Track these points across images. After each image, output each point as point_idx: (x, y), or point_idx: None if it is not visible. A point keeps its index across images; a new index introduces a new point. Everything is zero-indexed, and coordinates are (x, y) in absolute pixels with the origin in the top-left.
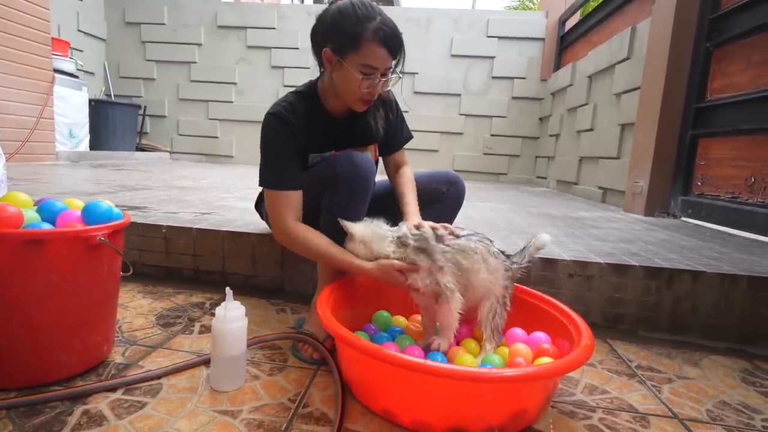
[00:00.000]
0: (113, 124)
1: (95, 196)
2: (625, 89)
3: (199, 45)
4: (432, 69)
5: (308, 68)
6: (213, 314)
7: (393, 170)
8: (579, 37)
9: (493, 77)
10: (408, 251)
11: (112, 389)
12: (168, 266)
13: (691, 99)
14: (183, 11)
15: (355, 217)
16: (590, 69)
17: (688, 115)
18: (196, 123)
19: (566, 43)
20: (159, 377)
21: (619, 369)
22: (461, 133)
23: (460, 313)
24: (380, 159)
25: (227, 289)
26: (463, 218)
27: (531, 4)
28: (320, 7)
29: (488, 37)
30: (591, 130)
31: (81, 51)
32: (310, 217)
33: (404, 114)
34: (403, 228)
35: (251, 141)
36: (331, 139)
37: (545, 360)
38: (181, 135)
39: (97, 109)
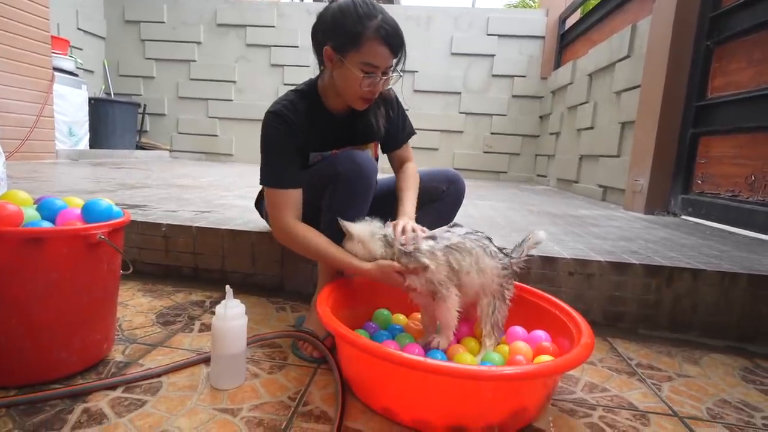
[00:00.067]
0: (113, 122)
1: (95, 194)
2: (625, 87)
3: (199, 43)
4: (432, 67)
5: (308, 66)
6: (213, 312)
7: (398, 166)
8: (579, 35)
9: (494, 75)
10: (394, 251)
11: (112, 387)
12: (168, 264)
13: (692, 97)
14: (182, 9)
15: (356, 217)
16: (590, 67)
17: (688, 113)
18: (196, 121)
19: (566, 41)
20: (159, 375)
21: (619, 367)
22: (461, 132)
23: (458, 311)
24: (380, 157)
25: (227, 287)
26: (463, 216)
27: (531, 2)
28: (320, 5)
29: (488, 35)
30: (591, 128)
31: (80, 49)
32: (311, 215)
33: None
34: (388, 228)
35: (251, 139)
36: (331, 137)
37: (545, 358)
38: (180, 133)
39: (97, 107)
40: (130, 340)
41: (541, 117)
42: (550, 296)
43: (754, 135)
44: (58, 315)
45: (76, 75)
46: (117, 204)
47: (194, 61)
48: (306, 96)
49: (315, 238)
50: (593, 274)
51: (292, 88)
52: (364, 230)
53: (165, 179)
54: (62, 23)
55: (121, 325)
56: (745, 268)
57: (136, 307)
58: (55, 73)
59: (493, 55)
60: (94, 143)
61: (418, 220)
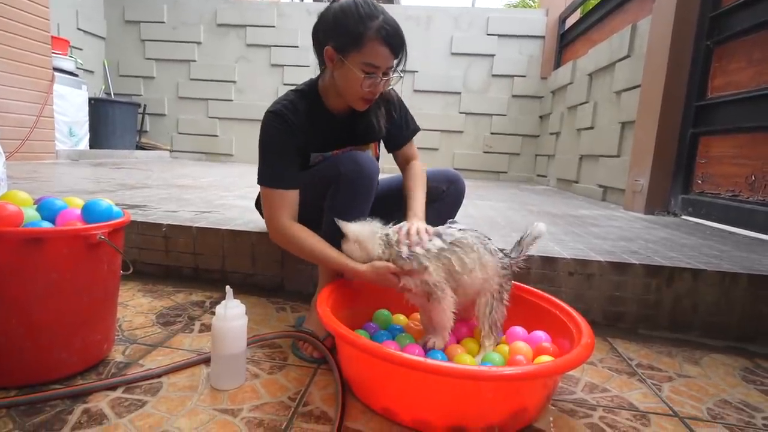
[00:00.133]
0: (113, 122)
1: (95, 194)
2: (625, 87)
3: (199, 43)
4: (432, 67)
5: (308, 66)
6: (213, 313)
7: (403, 165)
8: (579, 35)
9: (493, 75)
10: (392, 252)
11: (113, 388)
12: (168, 265)
13: (692, 97)
14: (182, 9)
15: (358, 217)
16: (590, 67)
17: (688, 113)
18: (196, 121)
19: (566, 41)
20: (159, 376)
21: (619, 367)
22: (461, 132)
23: (454, 312)
24: (380, 157)
25: (227, 287)
26: (463, 216)
27: (531, 2)
28: (320, 5)
29: (488, 35)
30: (591, 128)
31: (81, 49)
32: (313, 216)
33: None
34: (388, 230)
35: (251, 139)
36: (332, 137)
37: (545, 358)
38: (180, 133)
39: (97, 107)
40: (130, 340)
41: (541, 117)
42: (550, 296)
43: (754, 135)
44: (59, 315)
45: (76, 75)
46: (117, 204)
47: (194, 61)
48: (306, 96)
49: (309, 239)
50: (593, 274)
51: (293, 88)
52: (363, 230)
53: (165, 179)
54: (62, 23)
55: (121, 326)
56: (745, 268)
57: (136, 308)
58: (55, 74)
59: (493, 55)
60: (94, 143)
61: None
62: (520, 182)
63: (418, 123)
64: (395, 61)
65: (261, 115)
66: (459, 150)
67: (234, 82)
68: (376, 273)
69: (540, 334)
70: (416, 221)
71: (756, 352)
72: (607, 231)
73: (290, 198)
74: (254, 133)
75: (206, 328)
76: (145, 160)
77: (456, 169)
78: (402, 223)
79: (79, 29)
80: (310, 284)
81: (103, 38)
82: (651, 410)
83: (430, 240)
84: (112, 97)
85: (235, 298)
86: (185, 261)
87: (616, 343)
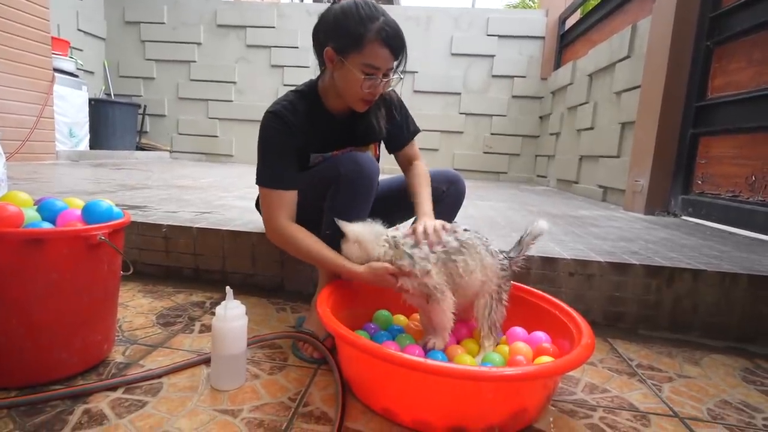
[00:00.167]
0: (113, 123)
1: (95, 195)
2: (625, 88)
3: (199, 44)
4: (432, 67)
5: (308, 67)
6: (213, 313)
7: (405, 165)
8: (579, 36)
9: (493, 76)
10: (398, 253)
11: (113, 388)
12: (168, 265)
13: (692, 97)
14: (182, 10)
15: (358, 218)
16: (590, 67)
17: (688, 113)
18: (196, 122)
19: (566, 41)
20: (159, 376)
21: (619, 368)
22: (461, 132)
23: (453, 313)
24: (380, 157)
25: (227, 288)
26: (463, 217)
27: (531, 3)
28: (320, 6)
29: (488, 35)
30: (591, 128)
31: (81, 50)
32: (313, 217)
33: None
34: (393, 231)
35: (251, 140)
36: (331, 138)
37: (545, 359)
38: (180, 134)
39: (97, 108)
40: (130, 340)
41: (541, 117)
42: (550, 297)
43: (754, 135)
44: (59, 316)
45: (76, 76)
46: (117, 205)
47: (194, 61)
48: (306, 96)
49: (306, 239)
50: (593, 274)
51: (292, 88)
52: (364, 231)
53: (165, 180)
54: (62, 24)
55: (121, 326)
56: (745, 268)
57: (136, 308)
58: (56, 74)
59: (493, 56)
60: (94, 144)
61: None
62: (520, 183)
63: (418, 123)
64: (395, 63)
65: (261, 116)
66: (459, 150)
67: (234, 82)
68: (373, 274)
69: (540, 334)
70: (428, 219)
71: (756, 353)
72: (607, 231)
73: (288, 198)
74: (254, 133)
75: (206, 328)
76: (145, 161)
77: (456, 169)
78: (417, 223)
79: (79, 30)
80: (310, 284)
81: (103, 39)
82: (651, 411)
83: (447, 237)
84: (113, 97)
85: (235, 298)
86: (185, 261)
87: (616, 344)
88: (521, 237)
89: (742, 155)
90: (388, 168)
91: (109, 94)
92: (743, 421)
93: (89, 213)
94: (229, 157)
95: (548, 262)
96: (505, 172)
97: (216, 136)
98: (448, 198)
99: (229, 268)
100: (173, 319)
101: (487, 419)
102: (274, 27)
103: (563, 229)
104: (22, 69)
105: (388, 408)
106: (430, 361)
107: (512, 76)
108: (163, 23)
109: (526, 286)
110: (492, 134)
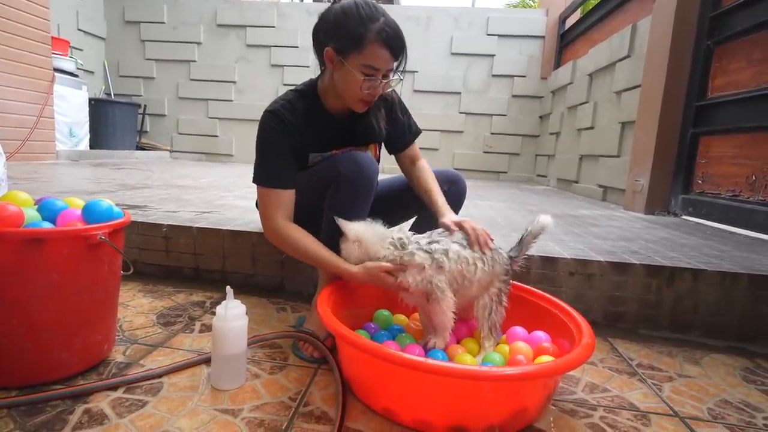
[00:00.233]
0: (113, 123)
1: (95, 195)
2: (625, 87)
3: (199, 44)
4: (432, 67)
5: (308, 67)
6: (213, 313)
7: (408, 166)
8: (579, 35)
9: (493, 75)
10: (404, 254)
11: (113, 388)
12: (168, 265)
13: (692, 97)
14: (182, 10)
15: (357, 217)
16: (591, 67)
17: (688, 113)
18: (196, 122)
19: (566, 41)
20: (160, 376)
21: (619, 367)
22: (461, 132)
23: (453, 312)
24: (380, 158)
25: (228, 287)
26: (463, 216)
27: (531, 2)
28: (320, 6)
29: (488, 35)
30: (591, 128)
31: (81, 50)
32: (312, 216)
33: None
34: (398, 232)
35: (251, 140)
36: (330, 138)
37: (546, 358)
38: (180, 134)
39: (97, 108)
40: (130, 340)
41: (541, 117)
42: (550, 296)
43: (754, 135)
44: (59, 316)
45: (76, 76)
46: (117, 205)
47: (194, 61)
48: (305, 96)
49: (304, 239)
50: (594, 274)
51: (292, 88)
52: (364, 230)
53: (165, 180)
54: (62, 24)
55: (121, 326)
56: (745, 268)
57: (136, 308)
58: (56, 74)
59: (493, 55)
60: (94, 144)
61: (419, 223)
62: (520, 182)
63: (418, 123)
64: (395, 64)
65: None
66: (459, 150)
67: (234, 82)
68: (367, 274)
69: (540, 334)
70: (451, 216)
71: (756, 352)
72: (608, 231)
73: (286, 198)
74: (254, 133)
75: (207, 328)
76: (145, 161)
77: (456, 169)
78: (463, 221)
79: (79, 30)
80: (310, 284)
81: (103, 39)
82: (651, 410)
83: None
84: (113, 97)
85: (235, 298)
86: (186, 261)
87: (616, 343)
88: (522, 236)
89: (742, 155)
90: (388, 168)
91: (109, 94)
92: (743, 420)
93: (89, 213)
94: (229, 156)
95: (548, 261)
96: (505, 172)
97: (216, 136)
98: (449, 198)
99: (229, 267)
100: (173, 319)
101: (488, 419)
102: (274, 26)
103: (563, 229)
104: (22, 69)
105: (389, 408)
106: (430, 361)
107: (512, 76)
108: (163, 23)
109: (526, 286)
110: (492, 134)
